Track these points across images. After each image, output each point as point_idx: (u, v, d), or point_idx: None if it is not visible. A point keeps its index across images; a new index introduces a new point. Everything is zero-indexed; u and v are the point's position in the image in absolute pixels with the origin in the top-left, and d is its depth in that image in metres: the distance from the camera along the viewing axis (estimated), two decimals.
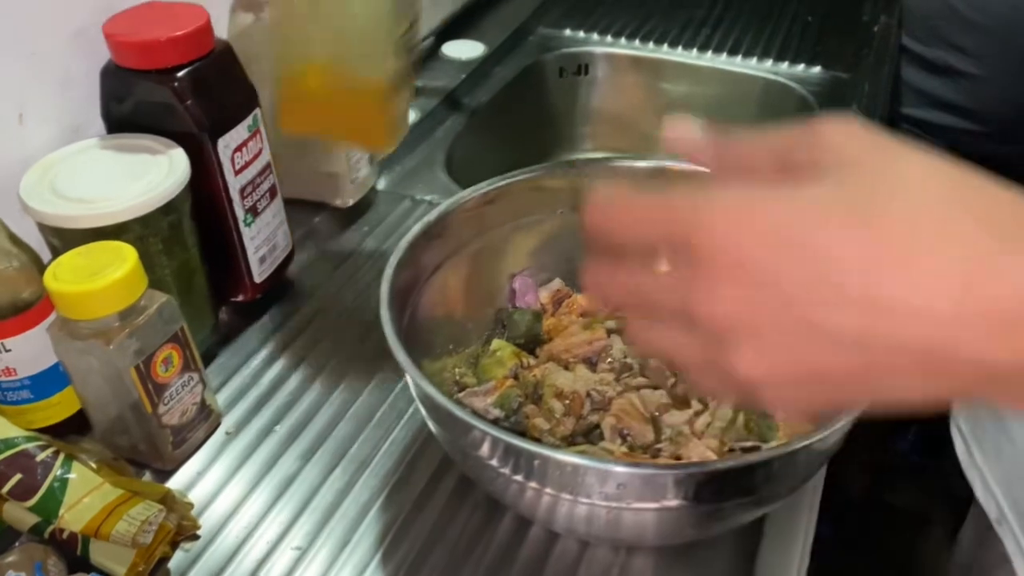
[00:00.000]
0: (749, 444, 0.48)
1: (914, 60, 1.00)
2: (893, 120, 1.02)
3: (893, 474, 1.55)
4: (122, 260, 0.48)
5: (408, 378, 0.44)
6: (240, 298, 0.64)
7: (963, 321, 0.26)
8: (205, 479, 0.54)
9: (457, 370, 0.55)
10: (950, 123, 0.95)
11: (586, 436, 0.51)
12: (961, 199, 0.28)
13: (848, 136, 0.30)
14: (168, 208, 0.54)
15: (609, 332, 0.55)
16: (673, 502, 0.40)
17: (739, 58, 1.01)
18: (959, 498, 1.27)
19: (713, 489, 0.40)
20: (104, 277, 0.47)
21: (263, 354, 0.62)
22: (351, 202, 0.75)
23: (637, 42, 1.05)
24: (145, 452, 0.53)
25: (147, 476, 0.54)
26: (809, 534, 0.53)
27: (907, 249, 0.27)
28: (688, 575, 0.48)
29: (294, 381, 0.60)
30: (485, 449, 0.41)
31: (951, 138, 0.97)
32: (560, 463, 0.39)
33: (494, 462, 0.42)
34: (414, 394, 0.46)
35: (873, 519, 1.52)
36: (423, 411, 0.46)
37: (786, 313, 0.28)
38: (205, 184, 0.57)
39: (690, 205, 0.29)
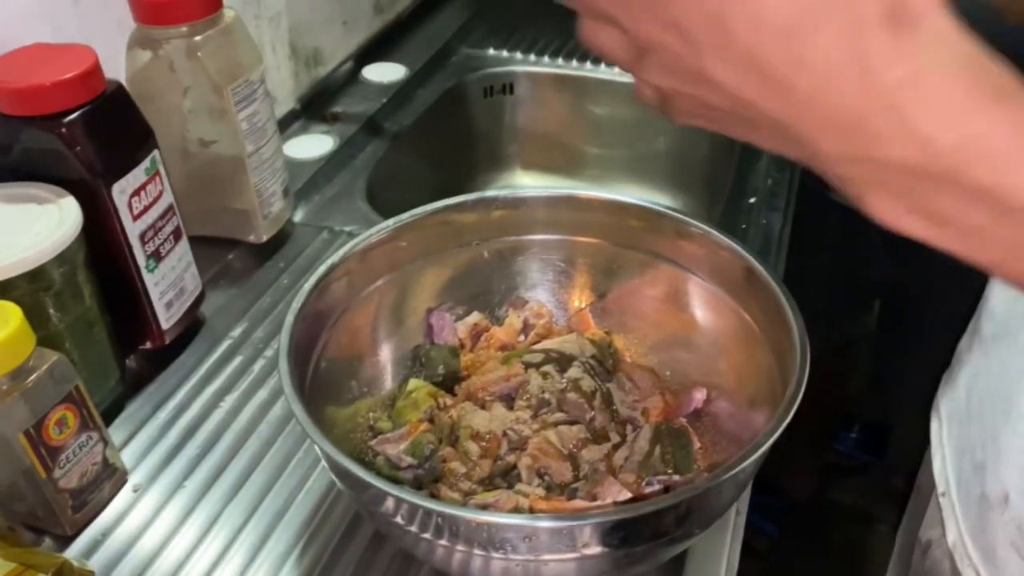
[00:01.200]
0: (665, 479, 0.48)
1: None
2: None
3: (837, 473, 1.57)
4: (4, 320, 0.45)
5: (309, 438, 0.42)
6: (148, 345, 0.62)
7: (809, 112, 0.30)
8: (110, 541, 0.51)
9: (371, 414, 0.54)
10: None
11: (504, 477, 0.49)
12: None
13: None
14: (60, 260, 0.51)
15: (526, 367, 0.54)
16: (587, 551, 0.39)
17: None
18: (903, 494, 1.28)
19: (625, 535, 0.39)
20: None
21: (173, 403, 0.60)
22: (265, 237, 0.73)
23: (560, 60, 1.04)
24: (43, 518, 0.50)
25: (47, 543, 0.51)
26: (734, 558, 0.53)
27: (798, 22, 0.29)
28: None
29: (205, 431, 0.58)
30: (390, 508, 0.40)
31: None
32: (467, 521, 0.38)
33: (400, 520, 0.40)
34: (317, 451, 0.44)
35: (819, 519, 1.53)
36: (327, 467, 0.45)
37: (685, 51, 0.31)
38: (101, 232, 0.55)
39: None
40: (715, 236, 0.52)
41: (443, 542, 0.40)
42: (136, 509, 0.53)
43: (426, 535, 0.40)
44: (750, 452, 0.39)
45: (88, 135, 0.53)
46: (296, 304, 0.48)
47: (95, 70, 0.54)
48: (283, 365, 0.44)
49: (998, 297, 0.58)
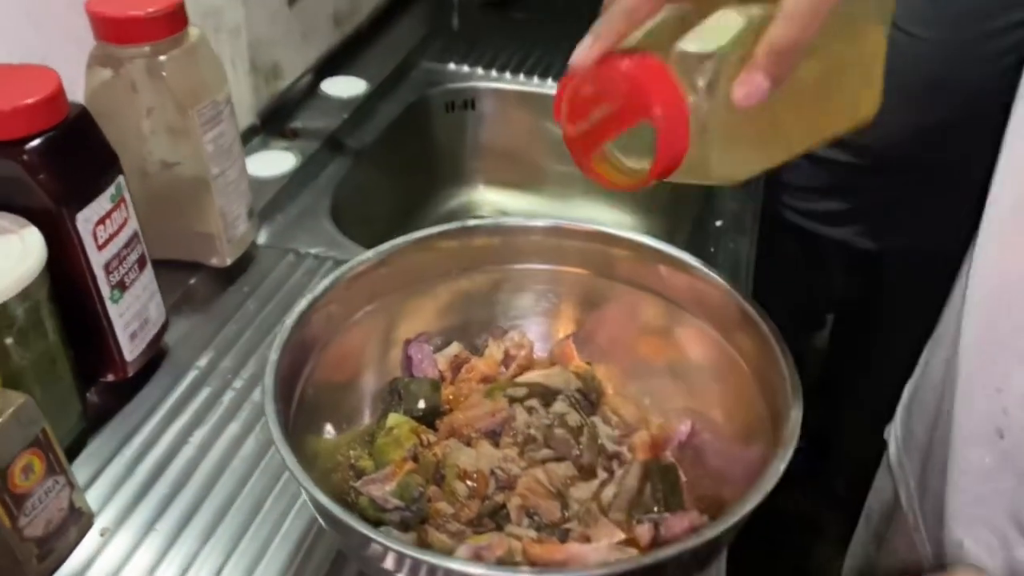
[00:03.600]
0: (656, 516, 0.47)
1: None
2: None
3: (783, 483, 1.59)
4: None
5: (299, 485, 0.40)
6: (110, 378, 0.59)
7: None
8: None
9: (352, 452, 0.52)
10: (832, 156, 0.98)
11: (492, 517, 0.48)
12: None
13: None
14: (24, 296, 0.49)
15: (511, 401, 0.53)
16: None
17: None
18: (847, 501, 1.31)
19: None
20: None
21: (139, 440, 0.57)
22: (229, 261, 0.71)
23: (522, 76, 1.04)
24: (6, 568, 0.48)
25: None
26: None
27: None
28: None
29: (175, 469, 0.56)
30: (385, 559, 0.39)
31: (832, 169, 1.00)
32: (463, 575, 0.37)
33: (391, 567, 0.39)
34: (307, 501, 0.43)
35: (766, 528, 1.56)
36: (316, 515, 0.43)
37: None
38: (65, 264, 0.52)
39: None
40: (703, 271, 0.52)
41: None
42: (104, 555, 0.51)
43: None
44: (752, 496, 0.39)
45: (52, 162, 0.51)
46: (279, 340, 0.47)
47: (58, 94, 0.51)
48: (269, 408, 0.43)
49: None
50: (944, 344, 0.59)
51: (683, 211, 0.90)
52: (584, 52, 0.40)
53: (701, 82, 0.39)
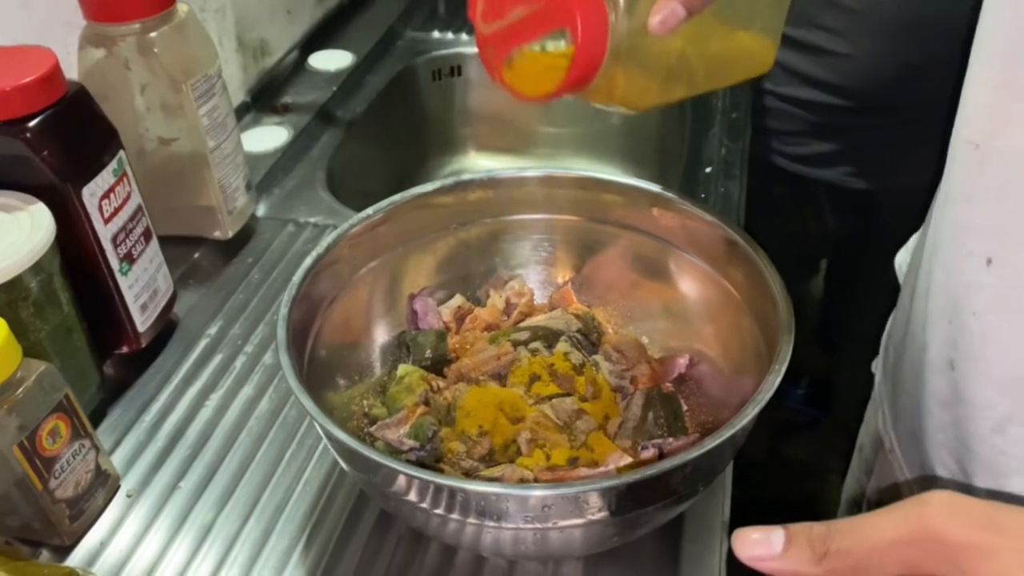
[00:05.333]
0: (660, 442, 0.49)
1: (783, 41, 1.03)
2: (758, 95, 1.06)
3: (788, 430, 1.62)
4: None
5: (316, 425, 0.42)
6: (125, 349, 0.61)
7: None
8: (110, 549, 0.51)
9: (365, 401, 0.54)
10: (818, 98, 1.00)
11: (504, 453, 0.50)
12: None
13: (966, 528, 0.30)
14: (36, 269, 0.50)
15: (515, 344, 0.55)
16: (597, 515, 0.40)
17: None
18: (848, 444, 1.33)
19: (635, 497, 0.40)
20: None
21: (156, 406, 0.59)
22: (231, 233, 0.72)
23: None
24: (39, 530, 0.50)
25: (45, 555, 0.50)
26: (726, 511, 0.55)
27: None
28: (617, 574, 0.49)
29: (194, 431, 0.58)
30: (403, 488, 0.40)
31: (818, 112, 1.01)
32: (481, 494, 0.39)
33: (413, 498, 0.41)
34: (324, 439, 0.45)
35: (773, 475, 1.58)
36: (335, 454, 0.45)
37: None
38: (73, 238, 0.54)
39: None
40: (690, 207, 0.53)
41: (455, 516, 0.41)
42: (132, 515, 0.53)
43: (438, 511, 0.41)
44: (749, 409, 0.41)
45: (54, 139, 0.52)
46: (287, 296, 0.48)
47: (56, 72, 0.53)
48: (283, 359, 0.44)
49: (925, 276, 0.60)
50: (915, 274, 0.61)
51: (670, 161, 0.91)
52: None
53: (622, 1, 0.40)
